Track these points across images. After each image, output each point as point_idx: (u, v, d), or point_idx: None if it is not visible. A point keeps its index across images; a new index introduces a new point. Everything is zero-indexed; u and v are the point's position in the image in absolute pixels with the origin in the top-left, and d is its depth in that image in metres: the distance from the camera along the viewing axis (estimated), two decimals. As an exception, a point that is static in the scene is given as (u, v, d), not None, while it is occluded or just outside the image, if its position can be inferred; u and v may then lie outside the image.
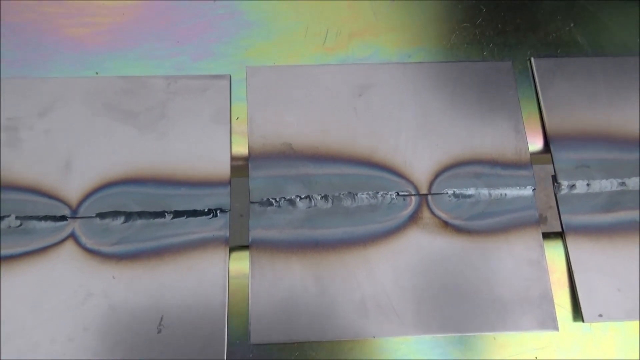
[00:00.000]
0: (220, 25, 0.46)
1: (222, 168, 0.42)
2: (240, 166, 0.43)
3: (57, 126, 0.42)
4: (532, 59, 0.48)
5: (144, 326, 0.38)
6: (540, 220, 0.43)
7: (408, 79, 0.46)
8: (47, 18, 0.45)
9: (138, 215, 0.40)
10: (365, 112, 0.44)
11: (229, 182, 0.42)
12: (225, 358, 0.38)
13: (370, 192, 0.42)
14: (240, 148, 0.43)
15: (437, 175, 0.43)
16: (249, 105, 0.44)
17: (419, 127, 0.44)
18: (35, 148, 0.41)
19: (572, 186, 0.44)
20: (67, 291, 0.38)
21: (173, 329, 0.38)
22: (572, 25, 0.50)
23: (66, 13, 0.45)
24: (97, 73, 0.44)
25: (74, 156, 0.41)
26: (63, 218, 0.40)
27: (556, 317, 0.40)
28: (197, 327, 0.38)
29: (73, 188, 0.40)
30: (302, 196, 0.42)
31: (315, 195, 0.42)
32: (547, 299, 0.40)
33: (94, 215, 0.40)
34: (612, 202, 0.43)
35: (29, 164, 0.41)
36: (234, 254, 0.41)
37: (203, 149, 0.42)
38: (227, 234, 0.40)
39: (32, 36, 0.44)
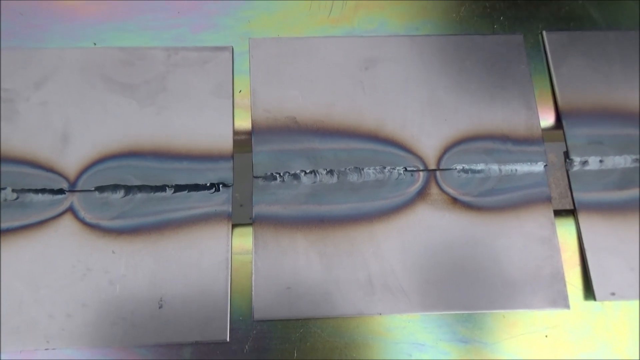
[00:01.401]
0: (221, -5, 0.46)
1: (224, 142, 0.42)
2: (243, 141, 0.43)
3: (54, 98, 0.42)
4: (544, 33, 0.47)
5: (144, 302, 0.38)
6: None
7: (415, 52, 0.46)
8: (43, -13, 0.45)
9: (138, 189, 0.40)
10: (371, 86, 0.44)
11: (232, 156, 0.41)
12: (228, 334, 0.38)
13: (377, 167, 0.42)
14: (243, 122, 0.43)
15: (446, 150, 0.43)
16: (252, 78, 0.44)
17: (427, 102, 0.44)
18: (32, 120, 0.41)
19: (585, 162, 0.43)
20: (66, 266, 0.38)
21: (174, 306, 0.38)
22: (585, -2, 0.49)
23: (63, -18, 0.45)
24: (94, 44, 0.44)
25: (71, 128, 0.41)
26: (61, 191, 0.40)
27: (567, 296, 0.40)
28: (199, 303, 0.38)
29: (71, 161, 0.40)
30: (307, 171, 0.42)
31: (320, 170, 0.42)
32: (558, 277, 0.40)
33: (92, 188, 0.40)
34: (626, 179, 0.43)
35: (25, 136, 0.41)
36: (237, 230, 0.41)
37: (204, 122, 0.42)
38: (230, 209, 0.40)
39: (28, 6, 0.44)
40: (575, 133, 0.44)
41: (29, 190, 0.39)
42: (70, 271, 0.38)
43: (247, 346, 0.38)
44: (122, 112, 0.42)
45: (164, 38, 0.44)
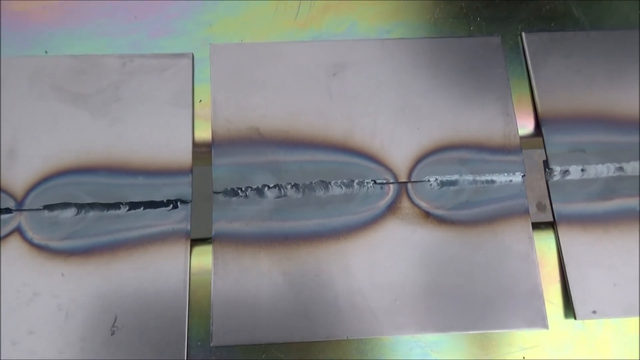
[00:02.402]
0: (181, -2, 0.44)
1: (183, 155, 0.40)
2: (204, 153, 0.41)
3: (1, 109, 0.40)
4: (524, 34, 0.45)
5: (96, 328, 0.36)
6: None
7: (387, 56, 0.44)
8: (-9, -8, 0.43)
9: (90, 206, 0.38)
10: (340, 93, 0.42)
11: (191, 171, 0.40)
12: (185, 361, 0.36)
13: (344, 181, 0.40)
14: (204, 133, 0.41)
15: (418, 161, 0.41)
16: (212, 86, 0.42)
17: (398, 109, 0.42)
18: (-23, 134, 0.39)
19: (566, 172, 0.42)
20: (11, 290, 0.36)
21: (128, 331, 0.36)
22: (568, -4, 0.48)
23: (12, -14, 0.43)
24: (46, 52, 0.42)
25: (19, 142, 0.39)
26: (7, 210, 0.38)
27: (546, 315, 0.38)
28: (155, 327, 0.36)
29: (18, 177, 0.39)
30: (271, 185, 0.40)
31: (285, 185, 0.40)
32: (536, 295, 0.39)
33: (41, 207, 0.38)
34: (609, 188, 0.42)
35: (-31, 152, 0.39)
36: (196, 249, 0.39)
37: (162, 134, 0.40)
38: (189, 227, 0.39)
39: (-26, 12, 0.42)
40: (556, 140, 0.42)
41: (-27, 210, 0.38)
42: (16, 296, 0.36)
43: (205, 373, 0.37)
44: (74, 124, 0.40)
45: (120, 44, 0.43)
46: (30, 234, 0.38)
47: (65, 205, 0.38)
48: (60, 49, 0.42)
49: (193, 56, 0.43)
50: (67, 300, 0.36)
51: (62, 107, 0.40)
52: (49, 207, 0.38)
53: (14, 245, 0.37)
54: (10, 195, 0.38)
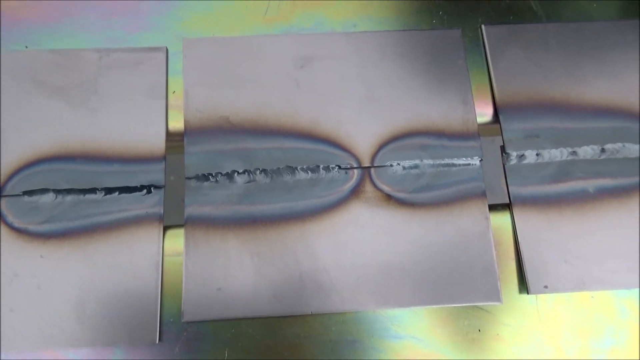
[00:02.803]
0: (156, -5, 0.47)
1: (156, 143, 0.42)
2: (178, 142, 0.43)
3: (-18, 102, 0.42)
4: (483, 27, 0.48)
5: (73, 306, 0.38)
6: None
7: (352, 49, 0.46)
8: (-27, -10, 0.45)
9: (67, 192, 0.41)
10: (307, 85, 0.45)
11: (164, 158, 0.42)
12: (158, 337, 0.38)
13: (310, 166, 0.43)
14: (177, 123, 0.44)
15: (381, 147, 0.44)
16: (184, 78, 0.44)
17: (363, 99, 0.45)
18: (-40, 125, 0.42)
19: (522, 156, 0.44)
20: (-7, 271, 0.39)
21: (104, 309, 0.38)
22: (527, -9, 0.50)
23: (-7, -15, 0.45)
24: (26, 47, 0.44)
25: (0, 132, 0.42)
26: (-11, 197, 0.40)
27: (500, 290, 0.40)
28: (129, 307, 0.39)
29: (-1, 166, 0.41)
30: (240, 171, 0.42)
31: (253, 170, 0.42)
32: (491, 272, 0.41)
33: (21, 193, 0.40)
34: (562, 172, 0.44)
35: (-48, 142, 0.41)
36: (169, 232, 0.41)
37: (137, 124, 0.43)
38: (162, 211, 0.41)
39: (-43, 9, 0.45)
40: (512, 127, 0.45)
41: (-44, 196, 0.40)
42: (-2, 276, 0.39)
43: (177, 348, 0.39)
44: (52, 114, 0.42)
45: (97, 39, 0.45)
46: (10, 218, 0.40)
47: (43, 190, 0.40)
48: (39, 44, 0.44)
49: (167, 50, 0.45)
50: (45, 281, 0.39)
51: (42, 99, 0.43)
52: (29, 193, 0.40)
53: (-5, 229, 0.40)
54: (-8, 182, 0.40)
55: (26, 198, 0.40)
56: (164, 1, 0.46)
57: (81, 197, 0.41)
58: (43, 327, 0.38)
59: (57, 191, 0.41)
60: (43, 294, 0.38)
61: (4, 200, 0.40)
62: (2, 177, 0.41)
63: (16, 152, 0.41)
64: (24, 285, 0.39)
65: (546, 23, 0.48)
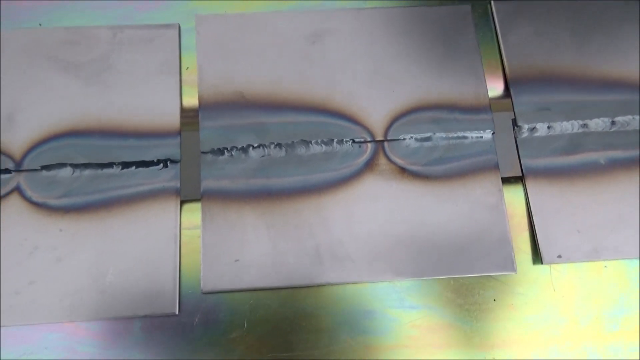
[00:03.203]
0: (168, -27, 0.47)
1: (171, 118, 0.43)
2: (192, 118, 0.44)
3: (-2, 79, 0.43)
4: (492, 2, 0.49)
5: (92, 278, 0.39)
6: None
7: (363, 24, 0.47)
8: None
9: (85, 166, 0.41)
10: (319, 60, 0.45)
11: (179, 132, 0.43)
12: (177, 307, 0.39)
13: (324, 140, 0.43)
14: (191, 99, 0.44)
15: (394, 121, 0.44)
16: (198, 54, 0.45)
17: (375, 73, 0.45)
18: (-24, 101, 0.42)
19: (533, 129, 0.45)
20: (13, 245, 0.39)
21: (123, 282, 0.39)
22: (536, -32, 0.50)
23: (6, -36, 0.46)
24: (40, 24, 0.45)
25: (16, 108, 0.42)
26: (7, 171, 0.41)
27: (514, 260, 0.41)
28: (149, 279, 0.39)
29: (16, 140, 0.41)
30: (255, 145, 0.43)
31: (268, 144, 0.43)
32: (505, 242, 0.42)
33: (39, 167, 0.41)
34: (573, 144, 0.45)
35: (-31, 118, 0.42)
36: (186, 206, 0.42)
37: (151, 100, 0.43)
38: (178, 185, 0.42)
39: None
40: (523, 100, 0.45)
41: (-26, 171, 0.40)
42: (18, 249, 0.39)
43: (196, 318, 0.39)
44: (68, 91, 0.43)
45: (109, 17, 0.45)
46: (29, 192, 0.40)
47: (61, 165, 0.41)
48: (53, 21, 0.45)
49: (180, 27, 0.46)
50: (65, 254, 0.39)
51: (57, 75, 0.43)
52: (47, 167, 0.41)
53: (14, 203, 0.40)
54: (10, 157, 0.41)
55: (44, 173, 0.41)
56: (176, -21, 0.47)
57: (98, 171, 0.41)
58: (63, 299, 0.38)
59: (75, 165, 0.41)
60: (63, 267, 0.39)
61: (22, 175, 0.41)
62: (19, 152, 0.41)
63: (33, 128, 0.42)
64: (43, 258, 0.39)
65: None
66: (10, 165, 0.41)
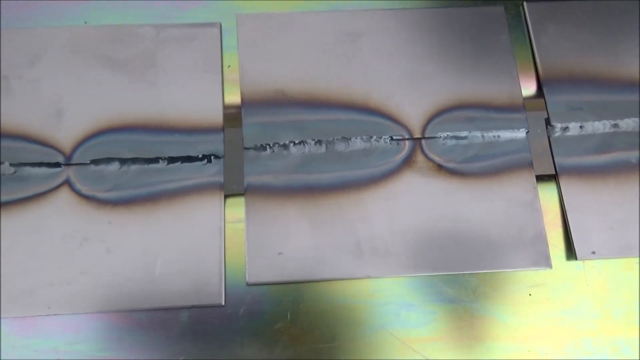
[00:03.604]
0: (209, -27, 0.48)
1: (214, 115, 0.44)
2: (234, 114, 0.45)
3: (47, 75, 0.44)
4: (525, 3, 0.50)
5: (141, 269, 0.40)
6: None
7: (399, 25, 0.48)
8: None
9: (132, 161, 0.42)
10: (356, 58, 0.47)
11: (222, 129, 0.44)
12: (224, 299, 0.40)
13: (363, 137, 0.44)
14: (233, 96, 0.45)
15: (430, 119, 0.45)
16: (239, 53, 0.46)
17: (411, 73, 0.46)
18: (26, 97, 0.43)
19: (565, 128, 0.46)
20: (64, 236, 0.40)
21: (170, 273, 0.40)
22: (565, -30, 0.52)
23: (52, -37, 0.47)
24: (85, 22, 0.46)
25: (65, 104, 0.43)
26: (57, 165, 0.42)
27: (549, 256, 0.42)
28: (195, 270, 0.40)
29: (66, 135, 0.43)
30: (296, 142, 0.44)
31: (309, 141, 0.44)
32: (540, 238, 0.43)
33: (88, 161, 0.42)
34: (605, 143, 0.46)
35: (20, 113, 0.43)
36: (229, 200, 0.43)
37: (194, 97, 0.45)
38: (222, 180, 0.43)
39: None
40: (556, 100, 0.47)
41: (27, 164, 0.42)
42: (69, 241, 0.40)
43: (241, 310, 0.41)
44: (114, 87, 0.44)
45: (152, 16, 0.47)
46: (78, 185, 0.42)
47: (109, 160, 0.42)
48: (98, 20, 0.46)
49: (221, 25, 0.47)
50: (114, 245, 0.40)
51: (103, 72, 0.44)
52: (95, 162, 0.42)
53: (64, 196, 0.41)
54: (60, 151, 0.42)
55: (93, 167, 0.42)
56: (216, -21, 0.48)
57: (145, 166, 0.42)
58: (113, 289, 0.40)
59: (122, 160, 0.42)
60: (112, 258, 0.40)
61: (71, 169, 0.42)
62: (69, 146, 0.42)
63: (81, 123, 0.43)
64: (93, 249, 0.40)
65: (585, 0, 0.50)
66: (60, 159, 0.42)
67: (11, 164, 0.42)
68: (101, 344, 0.39)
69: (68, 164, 0.42)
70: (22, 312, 0.39)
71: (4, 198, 0.41)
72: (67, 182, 0.42)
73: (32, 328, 0.39)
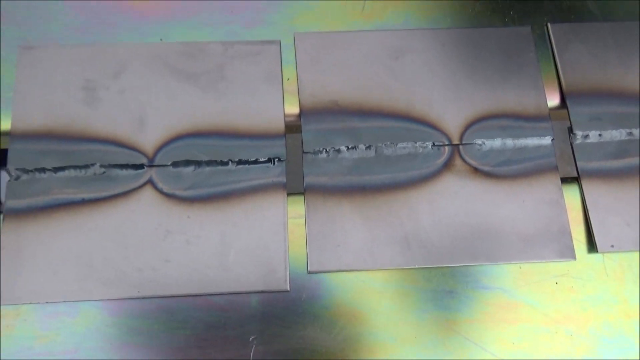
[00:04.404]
0: (268, -5, 0.54)
1: (277, 123, 0.50)
2: (293, 122, 0.51)
3: (129, 86, 0.50)
4: (549, 25, 0.56)
5: (216, 259, 0.46)
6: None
7: (438, 43, 0.54)
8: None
9: (206, 163, 0.48)
10: (401, 73, 0.52)
11: (284, 135, 0.50)
12: (289, 285, 0.46)
13: (409, 143, 0.50)
14: (292, 106, 0.51)
15: (467, 127, 0.51)
16: (298, 67, 0.52)
17: (449, 86, 0.52)
18: (113, 106, 0.49)
19: (586, 136, 0.52)
20: (149, 229, 0.46)
21: (241, 262, 0.46)
22: (584, -7, 0.58)
23: (129, -14, 0.53)
24: (161, 39, 0.52)
25: (146, 112, 0.49)
26: (141, 166, 0.48)
27: (573, 248, 0.48)
28: (262, 260, 0.46)
29: (148, 140, 0.48)
30: (349, 146, 0.50)
31: (360, 146, 0.50)
32: (565, 233, 0.49)
33: (168, 163, 0.48)
34: (621, 149, 0.52)
35: (108, 120, 0.48)
36: (291, 198, 0.49)
37: (259, 106, 0.50)
38: (284, 180, 0.48)
39: (103, 6, 0.52)
40: (578, 111, 0.53)
41: (114, 166, 0.47)
42: (153, 233, 0.46)
43: (304, 295, 0.46)
44: (188, 98, 0.50)
45: (220, 33, 0.53)
46: (160, 185, 0.47)
47: (186, 162, 0.48)
48: (172, 37, 0.52)
49: (280, 43, 0.53)
50: (192, 237, 0.46)
51: (178, 84, 0.50)
52: (174, 164, 0.48)
53: (148, 193, 0.47)
54: (143, 154, 0.48)
55: (172, 168, 0.48)
56: (275, 1, 0.54)
57: (217, 167, 0.48)
58: (193, 275, 0.45)
59: (198, 162, 0.48)
60: (191, 248, 0.46)
61: (153, 170, 0.48)
62: (151, 150, 0.48)
63: (161, 129, 0.49)
64: (175, 240, 0.46)
65: (603, 22, 0.56)
66: (144, 161, 0.48)
67: (101, 165, 0.47)
68: (183, 321, 0.45)
69: (151, 166, 0.48)
70: (115, 294, 0.44)
71: (95, 195, 0.47)
72: (150, 182, 0.47)
73: (122, 308, 0.45)
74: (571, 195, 0.51)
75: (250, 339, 0.45)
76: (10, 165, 0.47)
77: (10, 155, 0.47)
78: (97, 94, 0.49)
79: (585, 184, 0.51)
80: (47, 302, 0.44)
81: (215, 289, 0.45)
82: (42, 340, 0.43)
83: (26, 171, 0.47)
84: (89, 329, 0.44)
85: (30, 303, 0.44)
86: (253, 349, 0.45)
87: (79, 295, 0.44)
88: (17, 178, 0.47)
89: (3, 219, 0.46)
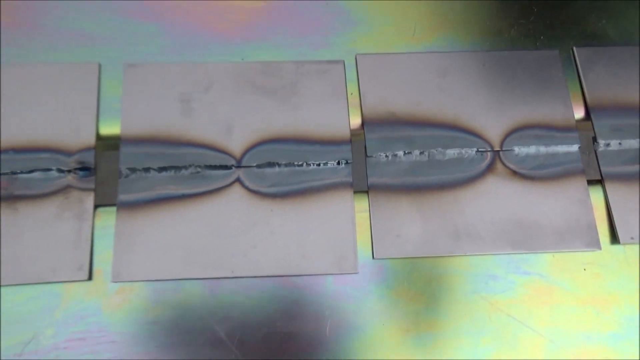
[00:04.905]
0: (332, 21, 0.63)
1: (343, 131, 0.58)
2: (357, 131, 0.59)
3: (218, 99, 0.58)
4: (575, 49, 0.64)
5: (295, 246, 0.54)
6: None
7: (479, 63, 0.62)
8: (202, 18, 0.61)
9: (285, 165, 0.57)
10: (448, 89, 0.61)
11: (350, 141, 0.58)
12: (357, 268, 0.54)
13: (456, 149, 0.59)
14: (355, 117, 0.60)
15: (507, 136, 0.60)
16: (360, 83, 0.60)
17: (490, 100, 0.61)
18: (205, 115, 0.58)
19: (608, 144, 0.60)
20: (239, 220, 0.54)
21: (317, 249, 0.54)
22: (604, 21, 0.67)
23: (214, 13, 0.62)
24: (242, 59, 0.61)
25: (233, 121, 0.58)
26: (230, 167, 0.56)
27: (599, 240, 0.56)
28: (335, 247, 0.54)
29: (235, 145, 0.57)
30: (405, 152, 0.58)
31: (415, 151, 0.58)
32: (591, 227, 0.57)
33: (253, 165, 0.56)
34: (638, 156, 0.60)
35: (202, 127, 0.57)
36: (357, 195, 0.57)
37: (327, 117, 0.59)
38: (351, 180, 0.57)
39: (191, 29, 0.61)
40: (601, 123, 0.61)
41: (208, 167, 0.56)
42: (242, 224, 0.54)
43: (369, 278, 0.55)
44: (268, 109, 0.58)
45: (292, 54, 0.61)
46: (247, 183, 0.56)
47: (269, 164, 0.56)
48: (251, 57, 0.61)
49: (344, 63, 0.61)
50: (275, 227, 0.54)
51: (259, 98, 0.59)
52: (258, 166, 0.56)
53: (236, 190, 0.55)
54: (232, 157, 0.56)
55: (256, 169, 0.56)
56: (338, 26, 0.63)
57: (294, 168, 0.57)
58: (277, 260, 0.53)
59: (277, 164, 0.56)
60: (275, 237, 0.54)
61: (241, 170, 0.56)
62: (238, 153, 0.56)
63: (246, 136, 0.57)
64: (261, 230, 0.54)
65: (623, 46, 0.65)
66: (232, 163, 0.56)
67: (196, 166, 0.56)
68: (268, 299, 0.53)
69: (238, 167, 0.56)
70: (212, 274, 0.52)
71: (193, 191, 0.55)
72: (238, 181, 0.56)
73: (219, 287, 0.53)
74: (596, 195, 0.59)
75: (326, 313, 0.53)
76: (122, 165, 0.55)
77: (121, 156, 0.55)
78: (191, 105, 0.58)
79: (608, 185, 0.59)
80: (156, 280, 0.52)
81: (296, 271, 0.53)
82: (153, 312, 0.52)
83: (135, 170, 0.55)
84: (191, 303, 0.52)
85: (142, 280, 0.52)
86: (329, 321, 0.53)
87: (182, 274, 0.52)
88: (127, 176, 0.55)
89: (117, 210, 0.54)
